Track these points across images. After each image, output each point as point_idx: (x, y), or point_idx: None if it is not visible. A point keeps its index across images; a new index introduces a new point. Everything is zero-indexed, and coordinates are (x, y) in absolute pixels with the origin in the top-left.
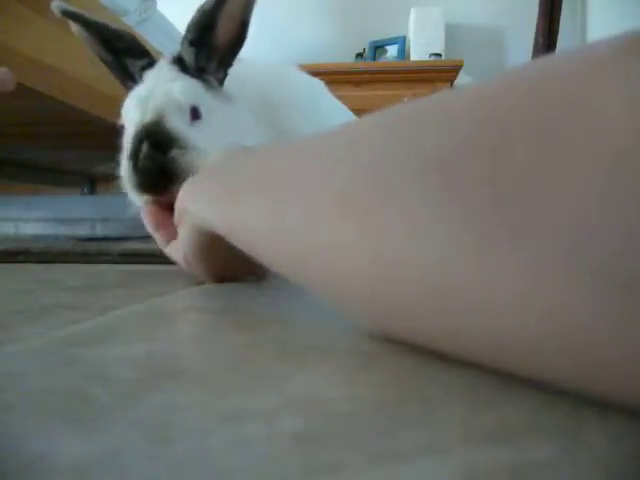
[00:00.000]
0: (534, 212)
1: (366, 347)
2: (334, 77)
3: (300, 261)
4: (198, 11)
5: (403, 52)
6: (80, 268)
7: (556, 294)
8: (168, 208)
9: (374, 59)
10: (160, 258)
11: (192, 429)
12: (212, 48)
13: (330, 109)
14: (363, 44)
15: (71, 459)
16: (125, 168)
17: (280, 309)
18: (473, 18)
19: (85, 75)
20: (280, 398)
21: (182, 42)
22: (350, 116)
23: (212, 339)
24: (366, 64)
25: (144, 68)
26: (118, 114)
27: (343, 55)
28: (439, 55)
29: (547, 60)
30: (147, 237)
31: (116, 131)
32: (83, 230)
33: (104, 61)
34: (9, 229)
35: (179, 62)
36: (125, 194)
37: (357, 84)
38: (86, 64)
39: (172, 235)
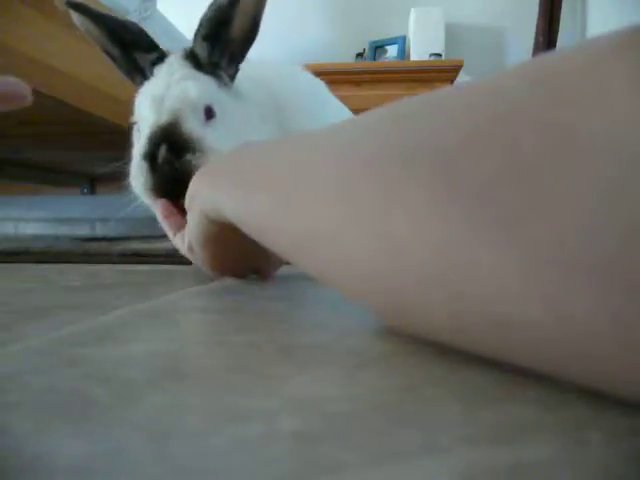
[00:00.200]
0: (538, 207)
1: (366, 347)
2: (334, 77)
3: (308, 247)
4: (213, 6)
5: (403, 52)
6: (80, 268)
7: (554, 286)
8: (179, 207)
9: (374, 59)
10: (160, 258)
11: (192, 429)
12: (226, 43)
13: (333, 109)
14: (363, 44)
15: (71, 459)
16: (139, 168)
17: (280, 309)
18: (473, 18)
19: (86, 75)
20: (280, 398)
21: (195, 37)
22: (350, 116)
23: (212, 339)
24: (366, 64)
25: (154, 62)
26: (119, 114)
27: (343, 55)
28: (439, 55)
29: (549, 56)
30: (147, 237)
31: (116, 131)
32: (83, 230)
33: (110, 55)
34: (9, 229)
35: (192, 57)
36: (125, 194)
37: (357, 84)
38: (86, 64)
39: (180, 226)
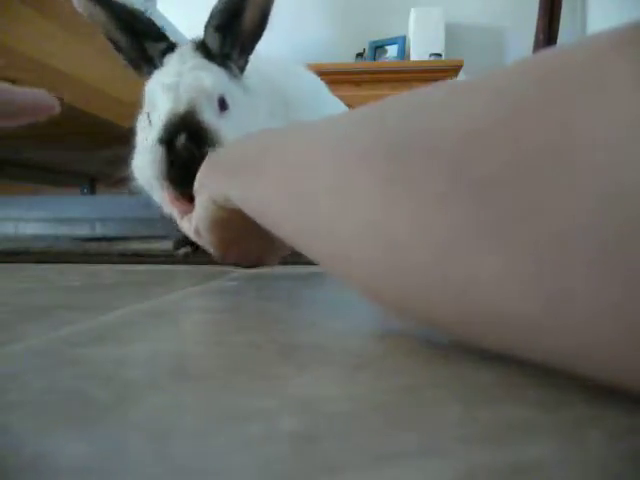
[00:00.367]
0: (539, 206)
1: (366, 348)
2: (334, 77)
3: (311, 232)
4: None
5: (403, 52)
6: (80, 268)
7: (554, 283)
8: (186, 195)
9: (374, 59)
10: (160, 258)
11: (192, 429)
12: (237, 35)
13: (335, 108)
14: (363, 44)
15: (72, 459)
16: (153, 153)
17: (280, 309)
18: (473, 18)
19: (86, 75)
20: (280, 398)
21: (206, 28)
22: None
23: (212, 339)
24: (366, 64)
25: (164, 52)
26: (120, 115)
27: (343, 55)
28: (439, 55)
29: (549, 53)
30: (147, 237)
31: (116, 132)
32: (83, 230)
33: (116, 44)
34: (9, 229)
35: (202, 48)
36: (126, 194)
37: (357, 84)
38: (87, 64)
39: (187, 211)
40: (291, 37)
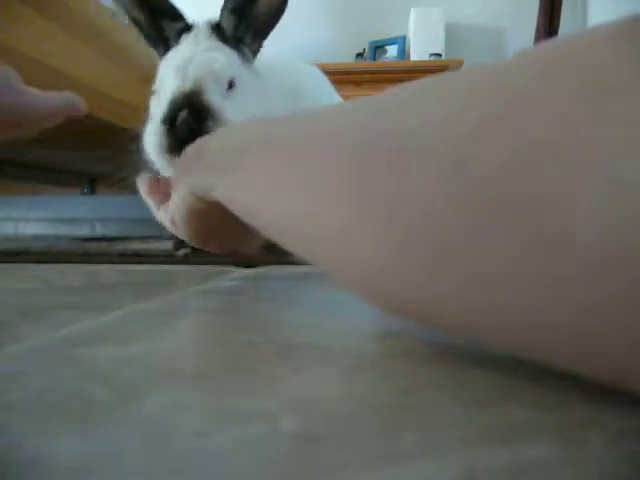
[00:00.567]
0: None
1: (365, 348)
2: (334, 77)
3: (290, 226)
4: None
5: (403, 52)
6: (80, 268)
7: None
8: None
9: (374, 59)
10: (160, 258)
11: (192, 429)
12: (252, 18)
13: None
14: (363, 44)
15: (71, 459)
16: (156, 130)
17: (279, 310)
18: (473, 18)
19: (86, 76)
20: (280, 398)
21: (222, 10)
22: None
23: (212, 339)
24: (366, 64)
25: (180, 32)
26: (120, 116)
27: (343, 55)
28: (439, 55)
29: (549, 45)
30: (147, 237)
31: (116, 132)
32: (83, 230)
33: (137, 23)
34: (9, 229)
35: (217, 29)
36: (126, 194)
37: (357, 84)
38: (86, 64)
39: (163, 200)
40: (291, 37)
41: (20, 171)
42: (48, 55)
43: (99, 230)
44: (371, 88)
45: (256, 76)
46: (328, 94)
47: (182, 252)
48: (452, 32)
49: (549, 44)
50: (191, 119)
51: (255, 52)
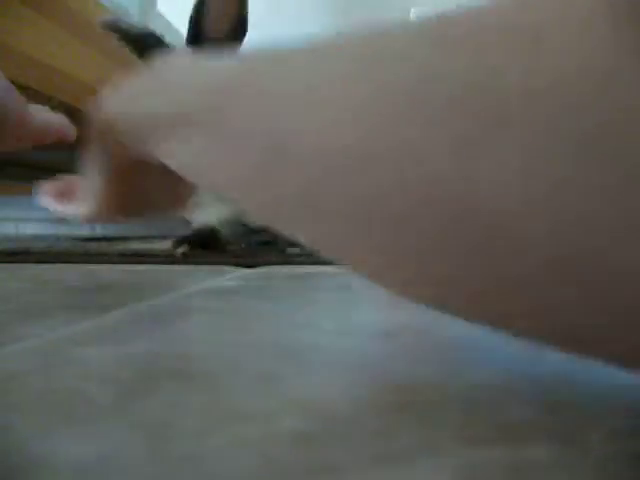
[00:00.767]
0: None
1: (365, 348)
2: None
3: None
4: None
5: None
6: (80, 268)
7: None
8: None
9: None
10: (160, 258)
11: (192, 429)
12: (205, 43)
13: None
14: None
15: (71, 459)
16: None
17: (279, 309)
18: None
19: (86, 76)
20: (280, 398)
21: (185, 40)
22: None
23: (212, 339)
24: None
25: None
26: None
27: None
28: None
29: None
30: (147, 237)
31: None
32: (83, 230)
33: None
34: (9, 229)
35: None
36: None
37: None
38: (86, 65)
39: (70, 197)
40: (291, 37)
41: (20, 171)
42: (48, 55)
43: (99, 230)
44: None
45: None
46: None
47: (181, 250)
48: None
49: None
50: None
51: None
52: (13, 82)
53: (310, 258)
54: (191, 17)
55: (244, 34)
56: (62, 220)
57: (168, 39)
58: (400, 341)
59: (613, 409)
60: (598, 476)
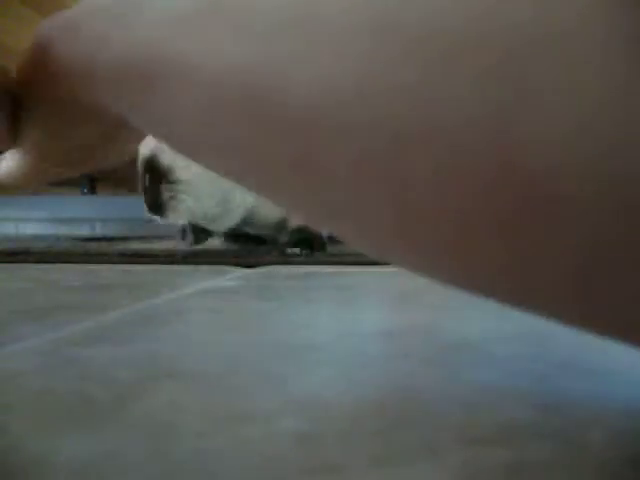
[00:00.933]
0: None
1: (365, 348)
2: None
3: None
4: None
5: None
6: (80, 268)
7: None
8: None
9: None
10: (160, 258)
11: (192, 429)
12: None
13: None
14: None
15: (71, 459)
16: None
17: (279, 309)
18: None
19: None
20: (280, 398)
21: None
22: None
23: (212, 339)
24: None
25: None
26: None
27: None
28: None
29: None
30: (147, 237)
31: None
32: (83, 230)
33: None
34: (9, 229)
35: None
36: (125, 194)
37: None
38: None
39: None
40: None
41: None
42: None
43: (99, 230)
44: None
45: None
46: None
47: (189, 240)
48: None
49: None
50: None
51: None
52: None
53: (310, 258)
54: None
55: None
56: (62, 220)
57: None
58: (400, 341)
59: (613, 409)
60: (598, 476)
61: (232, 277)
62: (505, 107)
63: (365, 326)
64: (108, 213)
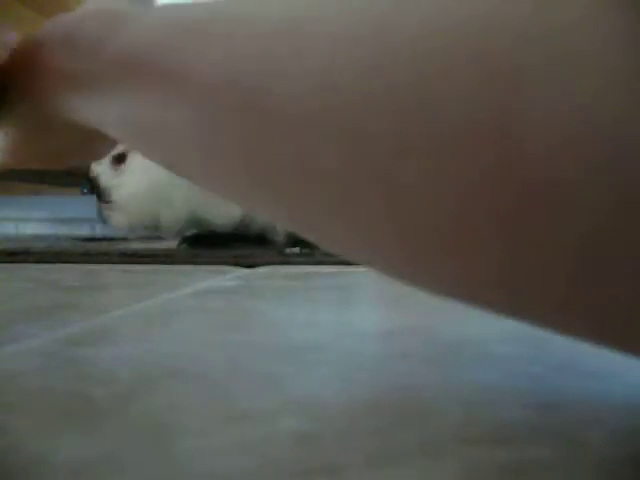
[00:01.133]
0: None
1: (365, 348)
2: None
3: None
4: None
5: None
6: (80, 268)
7: None
8: None
9: None
10: (160, 258)
11: (192, 429)
12: None
13: None
14: None
15: (71, 459)
16: None
17: (279, 309)
18: None
19: None
20: (280, 398)
21: None
22: None
23: (212, 339)
24: None
25: None
26: None
27: None
28: None
29: None
30: (147, 237)
31: None
32: (83, 230)
33: None
34: (9, 229)
35: None
36: None
37: None
38: None
39: None
40: None
41: (20, 171)
42: None
43: (99, 230)
44: None
45: None
46: None
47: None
48: None
49: None
50: None
51: None
52: None
53: (310, 258)
54: None
55: None
56: (62, 220)
57: None
58: (400, 341)
59: (613, 409)
60: (597, 475)
61: (232, 277)
62: (505, 105)
63: (364, 326)
64: None
